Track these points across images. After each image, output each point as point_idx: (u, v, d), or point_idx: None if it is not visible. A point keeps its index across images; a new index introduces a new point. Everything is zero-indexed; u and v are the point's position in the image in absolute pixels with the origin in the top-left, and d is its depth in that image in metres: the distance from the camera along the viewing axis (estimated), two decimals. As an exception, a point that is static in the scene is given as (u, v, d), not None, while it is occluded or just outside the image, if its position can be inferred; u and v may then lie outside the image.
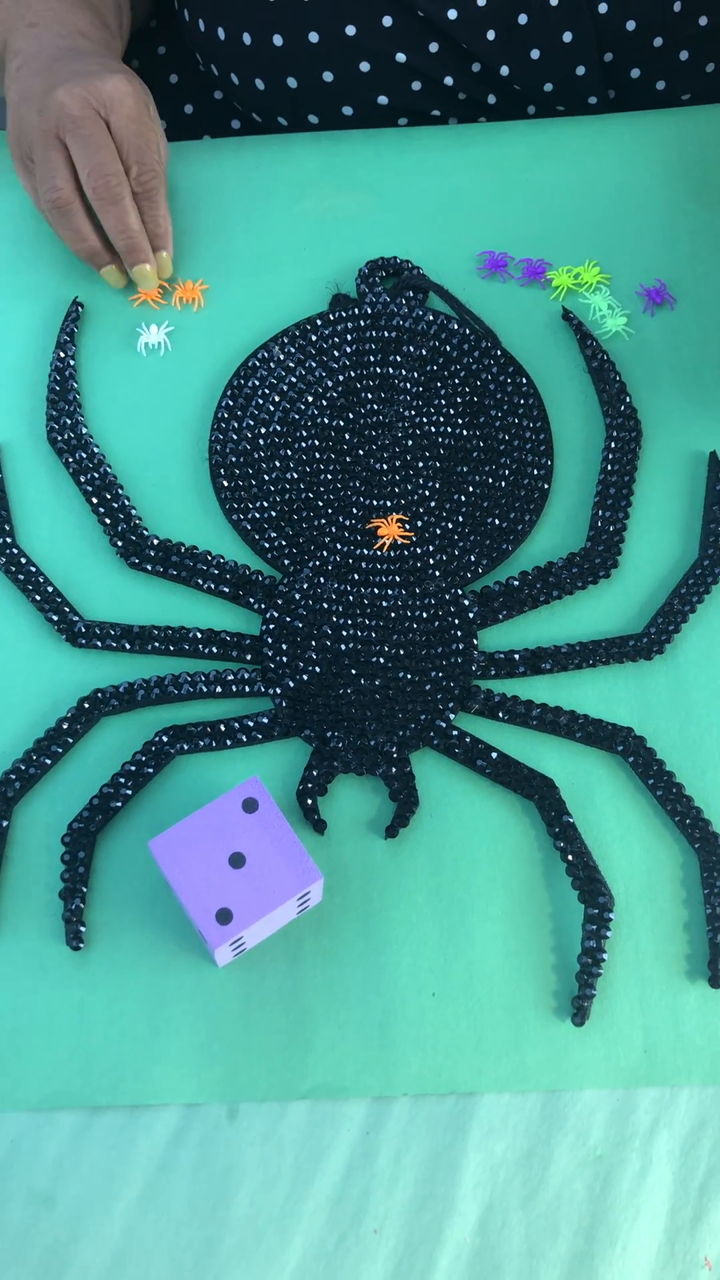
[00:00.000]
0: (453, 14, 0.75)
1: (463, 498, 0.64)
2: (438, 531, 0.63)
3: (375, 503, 0.64)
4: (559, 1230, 0.50)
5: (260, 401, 0.66)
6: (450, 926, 0.55)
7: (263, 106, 0.82)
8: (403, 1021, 0.53)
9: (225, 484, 0.64)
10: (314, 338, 0.68)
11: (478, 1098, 0.52)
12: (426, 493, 0.64)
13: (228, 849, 0.50)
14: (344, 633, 0.60)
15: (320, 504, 0.64)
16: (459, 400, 0.67)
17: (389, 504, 0.64)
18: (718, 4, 0.77)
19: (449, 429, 0.66)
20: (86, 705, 0.58)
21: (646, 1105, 0.52)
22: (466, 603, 0.61)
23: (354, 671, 0.60)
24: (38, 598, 0.61)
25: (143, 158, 0.68)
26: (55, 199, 0.68)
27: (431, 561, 0.62)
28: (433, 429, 0.66)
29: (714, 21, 0.78)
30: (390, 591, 0.62)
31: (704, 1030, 0.53)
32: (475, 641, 0.60)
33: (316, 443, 0.65)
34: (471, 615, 0.61)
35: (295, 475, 0.64)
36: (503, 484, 0.65)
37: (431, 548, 0.63)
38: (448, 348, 0.68)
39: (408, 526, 0.63)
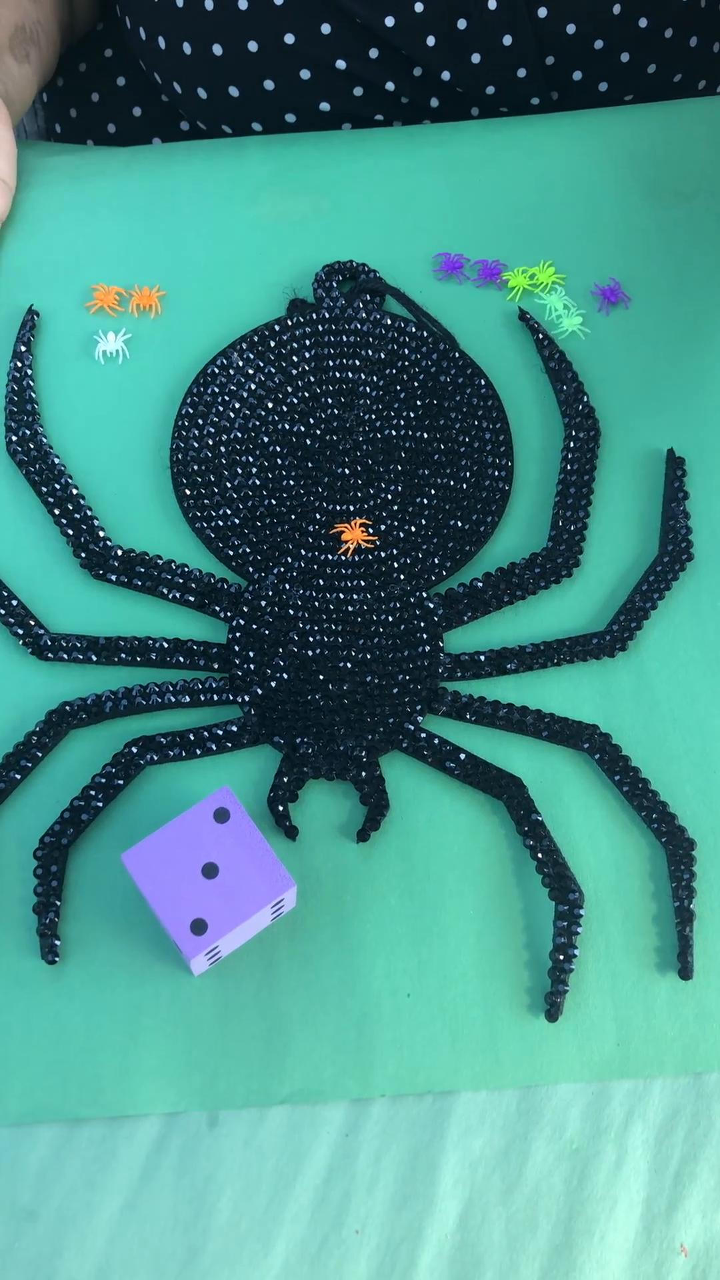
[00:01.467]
0: (390, 20, 0.75)
1: (425, 500, 0.65)
2: (401, 535, 0.64)
3: (338, 507, 0.64)
4: (538, 1223, 0.51)
5: (220, 408, 0.66)
6: (423, 927, 0.55)
7: (206, 115, 0.82)
8: (379, 1023, 0.54)
9: (188, 492, 0.64)
10: (273, 343, 0.68)
11: (455, 1096, 0.53)
12: (389, 496, 0.65)
13: (200, 859, 0.50)
14: (311, 639, 0.61)
15: (283, 510, 0.64)
16: (418, 403, 0.67)
17: (352, 508, 0.64)
18: (657, 5, 0.78)
19: (409, 432, 0.66)
20: (54, 718, 0.58)
21: (620, 1097, 0.53)
22: (431, 605, 0.62)
23: (322, 677, 0.60)
24: (1, 612, 0.61)
25: None
26: None
27: (395, 565, 0.63)
28: (393, 433, 0.66)
29: (654, 23, 0.78)
30: (355, 596, 0.62)
31: (675, 1022, 0.54)
32: (441, 644, 0.61)
33: (278, 448, 0.65)
34: (436, 618, 0.61)
35: (258, 482, 0.65)
36: (464, 486, 0.65)
37: (395, 551, 0.63)
38: (406, 350, 0.68)
39: (371, 530, 0.64)
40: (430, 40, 0.76)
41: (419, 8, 0.75)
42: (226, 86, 0.79)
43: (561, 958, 0.54)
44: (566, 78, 0.80)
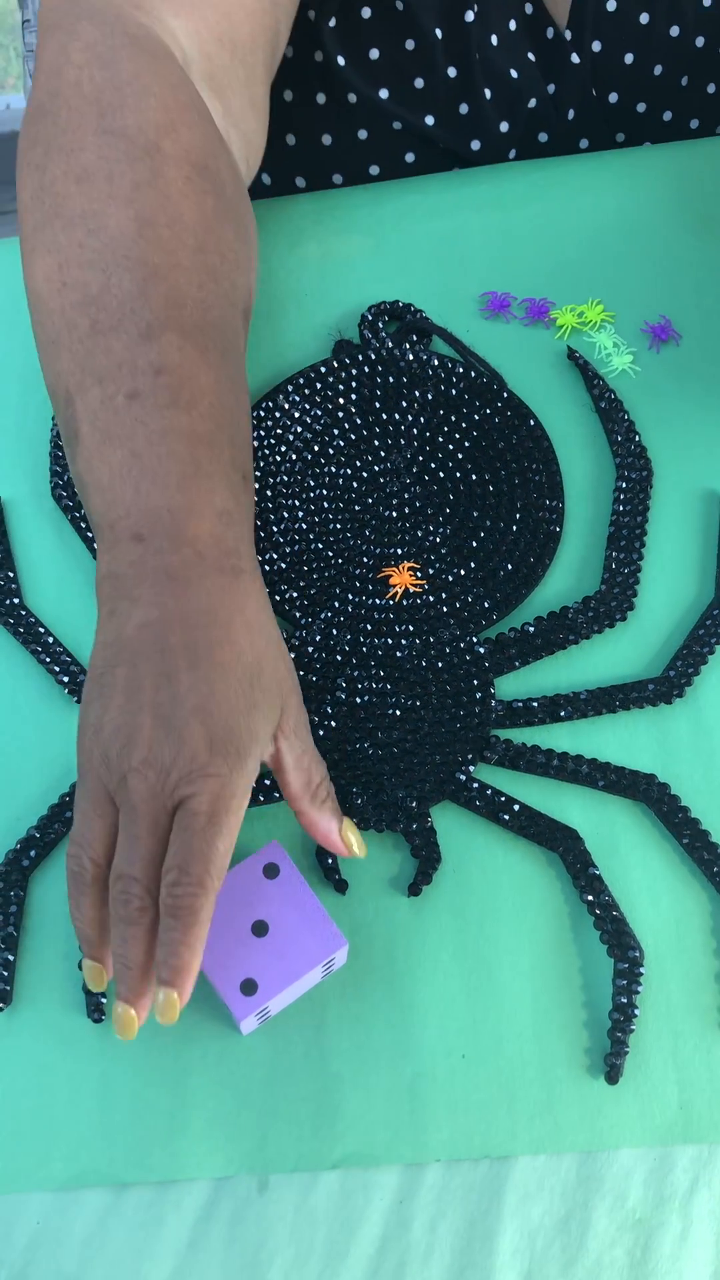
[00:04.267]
0: (476, 145, 0.75)
1: (474, 543, 0.63)
2: (450, 579, 0.62)
3: (386, 551, 0.63)
4: (601, 1298, 0.49)
5: (267, 452, 0.66)
6: (477, 985, 0.54)
7: None
8: (433, 1085, 0.52)
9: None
10: (319, 385, 0.67)
11: (512, 1161, 0.51)
12: (437, 539, 0.63)
13: (250, 917, 0.49)
14: (359, 685, 0.59)
15: (330, 554, 0.63)
16: (466, 444, 0.66)
17: (400, 552, 0.63)
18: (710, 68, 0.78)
19: (458, 474, 0.65)
20: (100, 768, 0.57)
21: (685, 1163, 0.51)
22: (481, 651, 0.60)
23: (370, 725, 0.59)
24: (47, 659, 0.60)
25: (189, 866, 0.46)
26: (74, 866, 0.49)
27: (445, 609, 0.62)
28: (441, 474, 0.65)
29: None
30: (404, 641, 0.61)
31: (741, 1085, 0.52)
32: (492, 690, 0.60)
33: (325, 492, 0.65)
34: (487, 663, 0.60)
35: (304, 526, 0.64)
36: (514, 528, 0.64)
37: (444, 595, 0.62)
38: (453, 391, 0.67)
39: (419, 574, 0.63)
40: (511, 154, 0.76)
41: (504, 127, 0.75)
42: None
43: (621, 1017, 0.52)
44: (637, 144, 0.81)
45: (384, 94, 0.73)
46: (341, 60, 0.72)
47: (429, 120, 0.74)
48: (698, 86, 0.78)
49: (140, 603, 0.49)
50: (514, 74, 0.74)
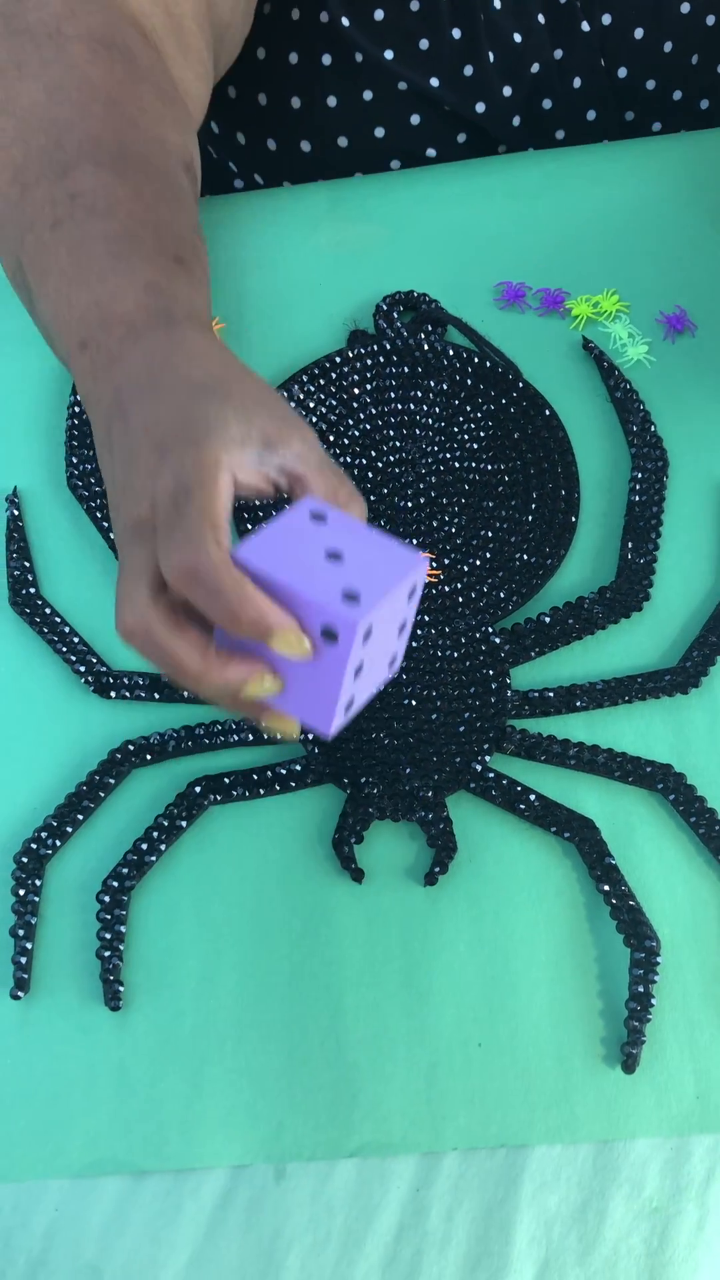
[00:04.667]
0: (481, 107, 0.75)
1: (489, 533, 0.63)
2: (465, 569, 0.62)
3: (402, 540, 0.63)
4: (618, 1287, 0.49)
5: (281, 442, 0.65)
6: (494, 975, 0.54)
7: None
8: (449, 1074, 0.52)
9: (250, 526, 0.63)
10: (334, 375, 0.67)
11: (528, 1150, 0.51)
12: (452, 529, 0.63)
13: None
14: (375, 675, 0.59)
15: (346, 544, 0.63)
16: (482, 435, 0.66)
17: (415, 542, 0.63)
18: None
19: (473, 464, 0.65)
20: (117, 757, 0.57)
21: (701, 1153, 0.51)
22: (497, 641, 0.60)
23: (386, 715, 0.59)
24: (63, 648, 0.60)
25: (171, 550, 0.44)
26: (132, 642, 0.46)
27: (460, 600, 0.62)
28: (457, 464, 0.65)
29: None
30: (419, 631, 0.61)
31: (757, 1075, 0.52)
32: (508, 680, 0.59)
33: (340, 482, 0.64)
34: (503, 653, 0.60)
35: (320, 516, 0.64)
36: (529, 518, 0.64)
37: (460, 585, 0.62)
38: (469, 381, 0.67)
39: (435, 564, 0.62)
40: (516, 120, 0.76)
41: (507, 91, 0.75)
42: (315, 179, 0.79)
43: (638, 1007, 0.52)
44: (645, 130, 0.80)
45: (389, 55, 0.73)
46: (346, 21, 0.72)
47: (434, 82, 0.74)
48: (708, 66, 0.78)
49: (102, 402, 0.50)
50: (518, 38, 0.74)
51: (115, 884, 0.55)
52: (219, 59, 0.69)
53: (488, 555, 0.63)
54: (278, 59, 0.75)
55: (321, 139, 0.77)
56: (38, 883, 0.55)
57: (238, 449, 0.45)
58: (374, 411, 0.66)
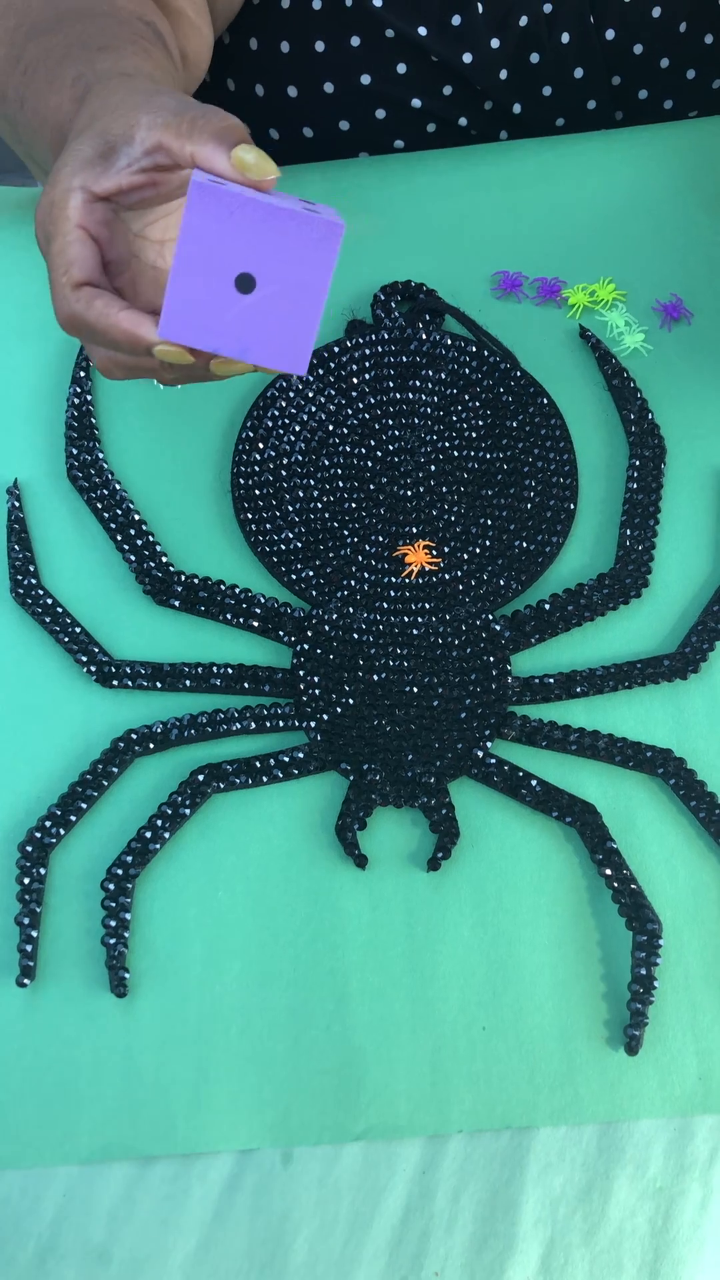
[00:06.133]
0: (468, 57, 0.75)
1: (489, 521, 0.64)
2: (465, 556, 0.63)
3: (401, 529, 0.63)
4: (623, 1266, 0.49)
5: (281, 432, 0.66)
6: (497, 959, 0.54)
7: (278, 154, 0.82)
8: (454, 1058, 0.52)
9: (249, 516, 0.64)
10: (332, 365, 0.68)
11: (533, 1132, 0.52)
12: (452, 517, 0.64)
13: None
14: (376, 663, 0.60)
15: (346, 533, 0.63)
16: (480, 423, 0.66)
17: (415, 530, 0.63)
18: None
19: (471, 452, 0.65)
20: (120, 746, 0.58)
21: (704, 1133, 0.52)
22: (498, 628, 0.61)
23: (388, 702, 0.59)
24: (65, 639, 0.60)
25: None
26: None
27: (460, 587, 0.62)
28: (455, 453, 0.65)
29: (719, 39, 0.78)
30: (421, 619, 0.61)
31: (760, 1055, 0.52)
32: (509, 667, 0.60)
33: (339, 471, 0.65)
34: (503, 640, 0.60)
35: (320, 505, 0.64)
36: (528, 506, 0.64)
37: (460, 573, 0.62)
38: (467, 370, 0.67)
39: (435, 552, 0.63)
40: (503, 74, 0.76)
41: (495, 43, 0.75)
42: (300, 128, 0.79)
43: (641, 989, 0.53)
44: (633, 97, 0.80)
45: (377, 1, 0.73)
46: None
47: (421, 31, 0.74)
48: (695, 35, 0.78)
49: None
50: None
51: (119, 872, 0.55)
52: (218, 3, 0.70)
53: (487, 543, 0.63)
54: (270, 3, 0.75)
55: (308, 84, 0.77)
56: (42, 871, 0.55)
57: (85, 167, 0.48)
58: (372, 401, 0.67)
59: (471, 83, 0.76)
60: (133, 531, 0.63)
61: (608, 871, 0.55)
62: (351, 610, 0.61)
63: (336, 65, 0.76)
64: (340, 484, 0.64)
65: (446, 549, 0.63)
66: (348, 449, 0.65)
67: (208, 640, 0.61)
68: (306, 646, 0.60)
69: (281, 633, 0.61)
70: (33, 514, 0.65)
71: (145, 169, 0.48)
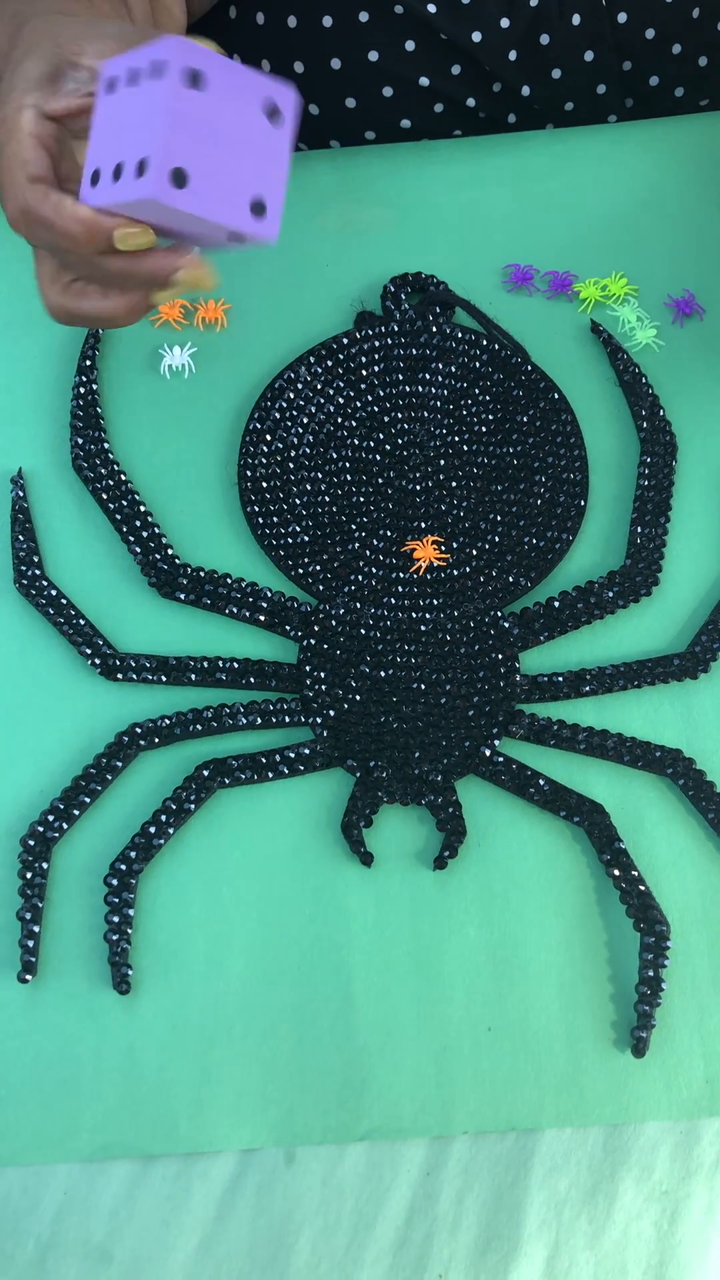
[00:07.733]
0: (477, 36, 0.74)
1: (498, 517, 0.63)
2: (474, 552, 0.62)
3: (409, 524, 0.63)
4: (628, 1270, 0.49)
5: (288, 424, 0.65)
6: (504, 959, 0.54)
7: None
8: (459, 1058, 0.52)
9: (256, 509, 0.63)
10: (341, 357, 0.67)
11: (539, 1134, 0.51)
12: (461, 513, 0.63)
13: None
14: (384, 659, 0.59)
15: (353, 527, 0.63)
16: (490, 417, 0.65)
17: (423, 525, 0.63)
18: None
19: (481, 447, 0.65)
20: (124, 740, 0.57)
21: (710, 1137, 0.51)
22: (506, 625, 0.60)
23: (395, 699, 0.58)
24: (69, 630, 0.60)
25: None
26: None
27: (469, 583, 0.61)
28: (465, 447, 0.65)
29: None
30: (429, 615, 0.60)
31: (768, 1059, 0.52)
32: (517, 664, 0.59)
33: (347, 464, 0.64)
34: (512, 637, 0.60)
35: (327, 498, 0.63)
36: (538, 501, 0.63)
37: (469, 569, 0.62)
38: (477, 364, 0.67)
39: (443, 548, 0.62)
40: (513, 55, 0.75)
41: (505, 23, 0.74)
42: (307, 104, 0.78)
43: (648, 991, 0.52)
44: (643, 84, 0.79)
45: None
46: None
47: (431, 8, 0.73)
48: (708, 21, 0.77)
49: None
50: None
51: (123, 867, 0.54)
52: None
53: (496, 539, 0.62)
54: None
55: (315, 59, 0.76)
56: (45, 866, 0.55)
57: (35, 87, 0.49)
58: (382, 393, 0.66)
59: (480, 63, 0.75)
60: (138, 523, 0.62)
61: (616, 872, 0.54)
62: (359, 605, 0.60)
63: (344, 41, 0.75)
64: (348, 477, 0.64)
65: (455, 544, 0.62)
66: (356, 442, 0.65)
67: (213, 634, 0.61)
68: (313, 641, 0.60)
69: (288, 627, 0.60)
70: (37, 504, 0.64)
71: (91, 94, 0.49)
